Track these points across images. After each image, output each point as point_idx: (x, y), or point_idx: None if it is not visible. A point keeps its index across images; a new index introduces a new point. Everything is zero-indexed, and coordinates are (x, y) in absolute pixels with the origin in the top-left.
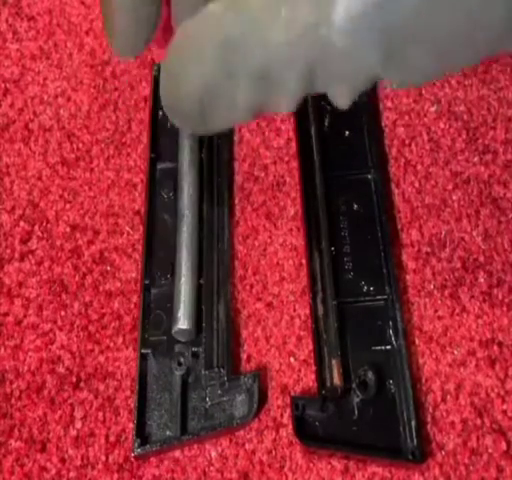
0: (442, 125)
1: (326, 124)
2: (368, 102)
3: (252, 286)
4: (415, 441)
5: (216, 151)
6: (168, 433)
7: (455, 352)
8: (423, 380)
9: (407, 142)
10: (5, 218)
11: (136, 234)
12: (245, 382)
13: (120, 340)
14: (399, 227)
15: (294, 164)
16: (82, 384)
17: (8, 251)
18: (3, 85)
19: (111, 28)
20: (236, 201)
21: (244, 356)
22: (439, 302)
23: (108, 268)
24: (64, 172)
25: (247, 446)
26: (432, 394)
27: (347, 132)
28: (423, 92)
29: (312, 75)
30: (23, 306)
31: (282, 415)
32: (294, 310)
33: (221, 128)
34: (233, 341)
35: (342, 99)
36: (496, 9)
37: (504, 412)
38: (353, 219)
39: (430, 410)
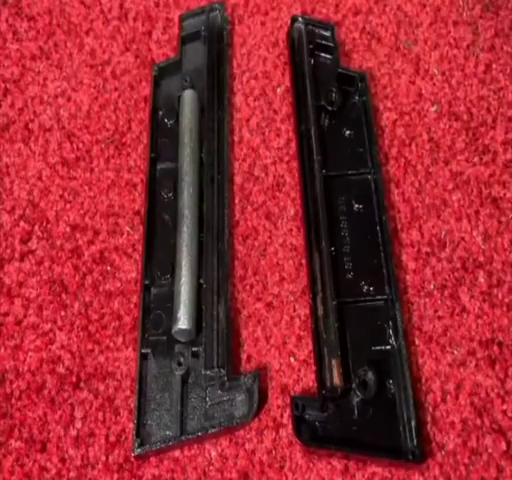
0: (442, 125)
1: (326, 124)
2: (368, 102)
3: (252, 286)
4: (415, 441)
5: (216, 151)
6: (168, 433)
7: (455, 352)
8: (423, 380)
9: (407, 142)
10: (5, 218)
11: (136, 234)
12: (245, 382)
13: (120, 340)
14: (399, 227)
15: (294, 164)
16: (82, 384)
17: (8, 251)
18: (3, 85)
19: None
20: (236, 201)
21: (244, 356)
22: (439, 302)
23: (108, 268)
24: (64, 172)
25: (247, 446)
26: (432, 394)
27: (347, 132)
28: (423, 92)
29: None
30: (23, 306)
31: (282, 415)
32: (294, 310)
33: None
34: (233, 341)
35: None
36: None
37: (504, 412)
38: (353, 219)
39: (430, 410)
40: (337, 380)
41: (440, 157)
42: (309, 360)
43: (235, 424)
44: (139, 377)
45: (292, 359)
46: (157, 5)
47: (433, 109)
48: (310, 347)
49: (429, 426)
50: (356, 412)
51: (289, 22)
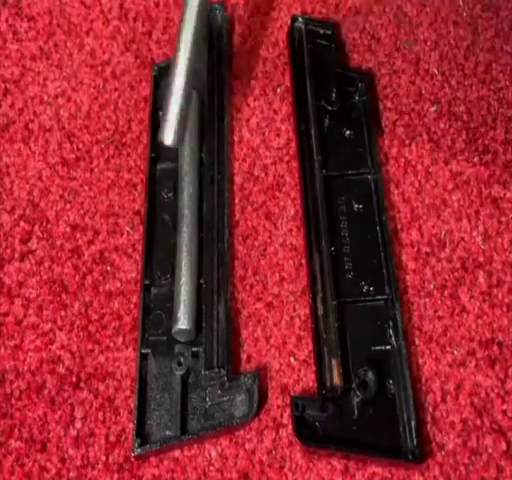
0: (442, 125)
1: (326, 124)
2: (368, 102)
3: (252, 286)
4: (415, 441)
5: (216, 151)
6: (168, 433)
7: (455, 352)
8: (423, 380)
9: (407, 142)
10: (5, 218)
11: (136, 234)
12: (245, 382)
13: (120, 340)
14: (399, 227)
15: (294, 164)
16: (82, 384)
17: (8, 251)
18: (3, 85)
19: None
20: (236, 201)
21: (244, 356)
22: (439, 302)
23: (108, 268)
24: (64, 172)
25: (247, 446)
26: (432, 394)
27: (347, 132)
28: (423, 92)
29: None
30: (23, 306)
31: (282, 415)
32: (294, 310)
33: None
34: (233, 341)
35: None
36: None
37: (504, 412)
38: (353, 219)
39: (430, 410)
40: (337, 380)
41: (440, 157)
42: (309, 360)
43: (235, 424)
44: (139, 377)
45: (292, 359)
46: (157, 5)
47: (433, 109)
48: (310, 347)
49: (429, 426)
50: (356, 412)
51: (289, 22)
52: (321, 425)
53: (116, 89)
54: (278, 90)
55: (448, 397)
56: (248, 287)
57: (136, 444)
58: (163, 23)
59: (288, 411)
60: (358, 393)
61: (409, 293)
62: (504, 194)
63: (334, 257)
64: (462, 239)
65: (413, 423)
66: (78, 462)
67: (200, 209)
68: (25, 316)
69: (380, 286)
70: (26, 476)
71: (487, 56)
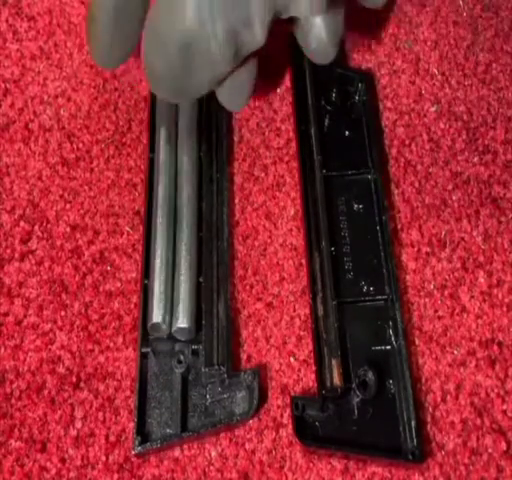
0: (442, 125)
1: (326, 124)
2: (368, 102)
3: (252, 286)
4: (415, 441)
5: (216, 151)
6: (168, 431)
7: (455, 352)
8: (423, 380)
9: (407, 142)
10: (5, 218)
11: (136, 234)
12: (245, 379)
13: (120, 340)
14: (399, 227)
15: (294, 164)
16: (82, 384)
17: (8, 251)
18: (3, 85)
19: (95, 41)
20: (236, 201)
21: (244, 356)
22: (439, 302)
23: (108, 268)
24: (64, 172)
25: (247, 446)
26: (432, 394)
27: (347, 132)
28: (423, 92)
29: None
30: (23, 306)
31: (282, 415)
32: (294, 310)
33: (202, 86)
34: (233, 341)
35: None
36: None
37: (504, 412)
38: (353, 219)
39: (430, 410)
40: (337, 380)
41: (440, 157)
42: (309, 360)
43: (235, 421)
44: (139, 375)
45: (292, 359)
46: None
47: (433, 109)
48: (310, 347)
49: (429, 426)
50: (356, 412)
51: None
52: (321, 425)
53: (116, 89)
54: (278, 90)
55: (448, 397)
56: (248, 287)
57: (136, 442)
58: None
59: (288, 411)
60: (358, 393)
61: (409, 293)
62: (504, 194)
63: (334, 257)
64: (462, 239)
65: (413, 423)
66: (78, 462)
67: (199, 208)
68: (25, 316)
69: (380, 286)
70: (26, 476)
71: (487, 56)
